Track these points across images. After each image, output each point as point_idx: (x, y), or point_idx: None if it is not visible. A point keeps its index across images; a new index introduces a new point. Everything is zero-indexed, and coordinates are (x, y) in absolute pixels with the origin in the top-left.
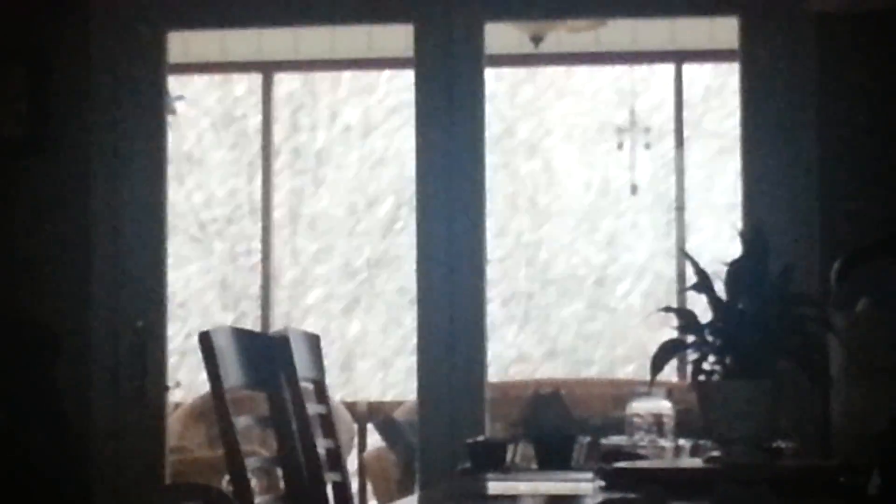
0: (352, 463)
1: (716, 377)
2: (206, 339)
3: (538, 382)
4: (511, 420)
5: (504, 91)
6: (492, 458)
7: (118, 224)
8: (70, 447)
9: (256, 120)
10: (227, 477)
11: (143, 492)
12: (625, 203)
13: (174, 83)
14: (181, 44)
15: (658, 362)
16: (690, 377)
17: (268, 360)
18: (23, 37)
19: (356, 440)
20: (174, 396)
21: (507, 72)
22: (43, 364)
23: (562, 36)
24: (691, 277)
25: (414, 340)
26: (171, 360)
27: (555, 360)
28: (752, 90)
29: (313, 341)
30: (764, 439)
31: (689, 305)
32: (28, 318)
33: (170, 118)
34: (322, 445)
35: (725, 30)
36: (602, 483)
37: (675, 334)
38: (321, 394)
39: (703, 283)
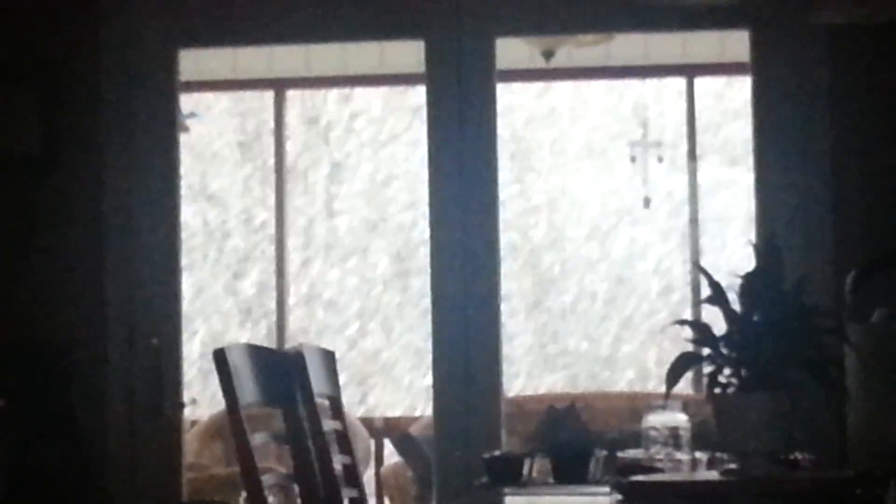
0: (368, 479)
1: (731, 390)
2: (221, 356)
3: (554, 396)
4: (527, 434)
5: (516, 106)
6: (508, 473)
7: (132, 242)
8: (86, 465)
9: (269, 136)
10: (243, 494)
11: None
12: (638, 216)
13: (186, 101)
14: (193, 61)
15: (674, 375)
16: (706, 390)
17: (283, 377)
18: (35, 55)
19: (373, 456)
20: (190, 414)
21: (519, 87)
22: (58, 382)
23: (573, 51)
24: (706, 290)
25: (430, 356)
26: (187, 378)
27: (570, 374)
28: (765, 103)
29: (328, 357)
30: (780, 451)
31: (704, 318)
32: (43, 336)
33: (182, 135)
34: (338, 461)
35: (737, 43)
36: (619, 497)
37: (690, 347)
38: (337, 410)
39: (718, 296)
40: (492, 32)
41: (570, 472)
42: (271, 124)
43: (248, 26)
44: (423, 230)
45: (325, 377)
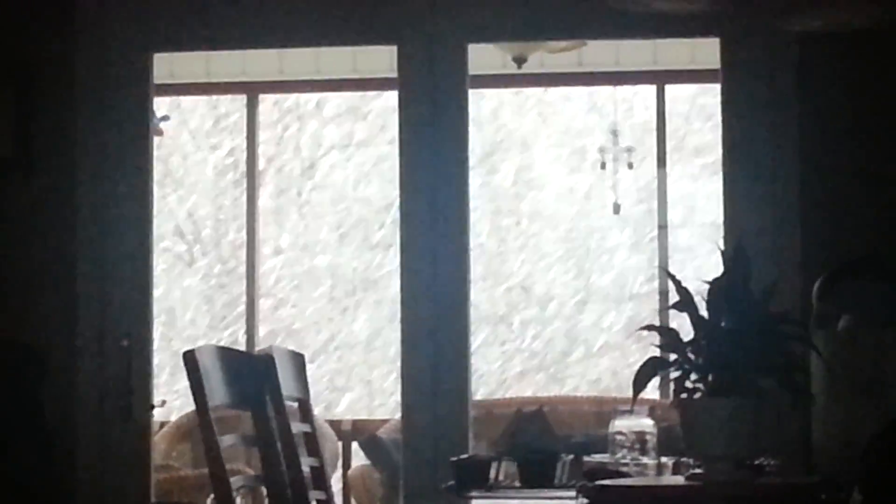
0: (336, 481)
1: (698, 395)
2: (191, 358)
3: (522, 401)
4: (495, 438)
5: (487, 111)
6: (475, 476)
7: (104, 243)
8: (55, 466)
9: (241, 140)
10: (212, 495)
11: None
12: (607, 222)
13: (160, 104)
14: (167, 65)
15: (640, 380)
16: (673, 395)
17: (253, 379)
18: (8, 56)
19: (341, 458)
20: (159, 415)
21: (491, 92)
22: (28, 383)
23: (545, 57)
24: (674, 296)
25: (398, 359)
26: (157, 379)
27: (538, 379)
28: (734, 110)
29: (298, 360)
30: (746, 457)
31: (672, 324)
32: (13, 337)
33: (155, 139)
34: (306, 464)
35: (707, 50)
36: (585, 501)
37: (657, 352)
38: (306, 412)
39: (686, 302)
40: (464, 38)
41: (536, 476)
42: (244, 127)
43: (222, 30)
44: (394, 233)
45: (295, 380)
